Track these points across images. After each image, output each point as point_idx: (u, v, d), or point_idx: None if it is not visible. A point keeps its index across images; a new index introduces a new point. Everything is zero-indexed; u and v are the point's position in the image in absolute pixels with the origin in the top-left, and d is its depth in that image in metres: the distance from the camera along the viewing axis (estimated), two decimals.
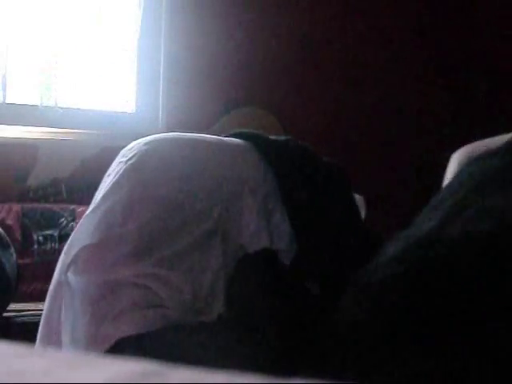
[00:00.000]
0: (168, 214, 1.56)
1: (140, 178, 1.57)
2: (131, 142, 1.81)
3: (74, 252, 1.51)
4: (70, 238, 1.58)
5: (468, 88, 3.81)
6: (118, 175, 1.58)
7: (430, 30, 3.82)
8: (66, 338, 1.49)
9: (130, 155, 1.64)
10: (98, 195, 1.61)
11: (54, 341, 1.52)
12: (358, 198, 2.06)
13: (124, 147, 1.81)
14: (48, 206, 2.78)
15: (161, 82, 3.19)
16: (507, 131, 3.58)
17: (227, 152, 1.78)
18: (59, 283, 1.55)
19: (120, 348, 1.36)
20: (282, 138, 1.95)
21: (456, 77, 3.83)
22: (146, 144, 1.68)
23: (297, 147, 1.92)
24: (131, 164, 1.59)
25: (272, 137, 1.93)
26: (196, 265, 1.54)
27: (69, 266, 1.51)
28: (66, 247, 1.57)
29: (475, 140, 3.87)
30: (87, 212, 1.61)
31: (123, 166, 1.60)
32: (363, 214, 2.08)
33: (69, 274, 1.51)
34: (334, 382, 0.46)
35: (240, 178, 1.74)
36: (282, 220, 1.74)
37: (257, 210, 1.71)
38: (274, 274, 1.76)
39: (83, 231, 1.55)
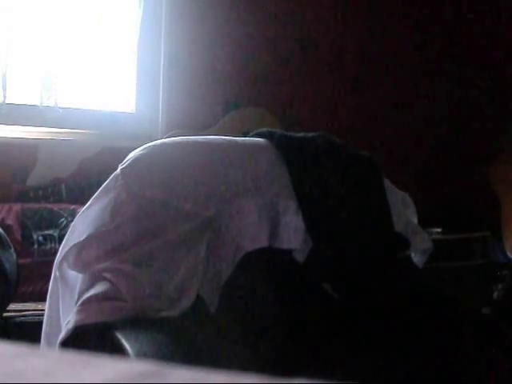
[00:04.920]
0: (151, 214, 1.62)
1: (128, 181, 1.62)
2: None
3: (66, 249, 1.59)
4: (65, 237, 1.66)
5: (467, 86, 3.81)
6: (109, 179, 1.65)
7: (430, 28, 3.82)
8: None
9: (126, 160, 1.68)
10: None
11: (55, 337, 1.56)
12: (403, 195, 2.01)
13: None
14: (48, 205, 2.78)
15: (161, 82, 3.19)
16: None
17: (234, 152, 1.80)
18: (54, 279, 1.64)
19: (77, 336, 1.46)
20: (311, 134, 1.96)
21: (455, 75, 3.83)
22: (144, 149, 1.71)
23: (325, 143, 1.93)
24: (122, 168, 1.65)
25: (298, 134, 1.95)
26: (170, 263, 1.59)
27: (61, 262, 1.60)
28: (61, 246, 1.65)
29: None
30: (79, 213, 1.68)
31: (117, 170, 1.67)
32: (411, 212, 2.00)
33: (63, 270, 1.60)
34: (334, 382, 0.46)
35: (243, 178, 1.75)
36: (295, 218, 1.76)
37: (258, 210, 1.72)
38: (276, 272, 1.76)
39: (75, 231, 1.64)
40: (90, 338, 1.47)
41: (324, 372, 1.62)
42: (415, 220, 2.01)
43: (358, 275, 1.83)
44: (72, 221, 1.77)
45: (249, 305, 1.70)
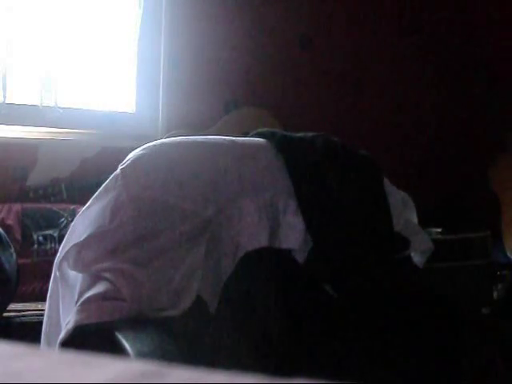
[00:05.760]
0: (152, 214, 1.62)
1: (128, 181, 1.63)
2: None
3: (66, 249, 1.59)
4: (65, 237, 1.66)
5: (467, 86, 3.81)
6: (109, 179, 1.65)
7: (429, 29, 3.82)
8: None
9: (126, 160, 1.68)
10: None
11: (55, 337, 1.56)
12: (403, 195, 2.00)
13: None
14: (48, 206, 2.78)
15: (161, 81, 3.19)
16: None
17: (234, 152, 1.80)
18: (54, 279, 1.65)
19: (77, 336, 1.47)
20: (310, 134, 1.96)
21: (455, 75, 3.83)
22: (143, 149, 1.71)
23: (325, 143, 1.93)
24: (122, 168, 1.65)
25: (298, 134, 1.95)
26: (170, 263, 1.60)
27: (61, 262, 1.60)
28: (61, 246, 1.65)
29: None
30: (79, 213, 1.68)
31: (117, 170, 1.67)
32: (411, 212, 2.00)
33: (63, 270, 1.61)
34: (334, 381, 0.46)
35: (243, 178, 1.75)
36: (295, 218, 1.76)
37: (258, 210, 1.72)
38: (276, 272, 1.77)
39: (75, 231, 1.64)
40: (90, 338, 1.47)
41: (324, 372, 1.62)
42: (415, 220, 2.01)
43: (358, 275, 1.83)
44: (72, 221, 1.76)
45: (249, 305, 1.70)
